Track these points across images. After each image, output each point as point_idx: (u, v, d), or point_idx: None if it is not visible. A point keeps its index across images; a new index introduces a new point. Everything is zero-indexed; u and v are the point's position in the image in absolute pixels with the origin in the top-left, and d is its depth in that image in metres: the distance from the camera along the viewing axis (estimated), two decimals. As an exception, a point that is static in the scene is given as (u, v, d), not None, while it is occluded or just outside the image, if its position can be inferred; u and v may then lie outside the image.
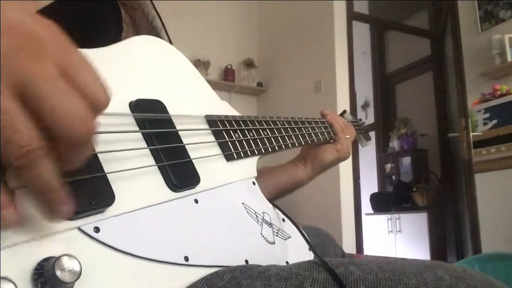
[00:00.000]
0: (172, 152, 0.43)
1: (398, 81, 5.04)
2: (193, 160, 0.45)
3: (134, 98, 0.43)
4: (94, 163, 0.34)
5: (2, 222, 0.24)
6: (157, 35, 0.61)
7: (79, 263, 0.28)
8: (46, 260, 0.28)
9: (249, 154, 0.55)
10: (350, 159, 2.71)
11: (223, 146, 0.51)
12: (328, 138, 0.81)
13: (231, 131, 0.54)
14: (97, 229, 0.33)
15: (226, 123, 0.53)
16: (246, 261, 0.44)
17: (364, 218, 3.27)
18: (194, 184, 0.43)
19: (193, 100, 0.52)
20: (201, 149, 0.48)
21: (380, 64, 5.13)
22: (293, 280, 0.37)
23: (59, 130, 0.23)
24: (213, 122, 0.52)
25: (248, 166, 0.55)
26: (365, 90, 5.04)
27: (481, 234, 2.45)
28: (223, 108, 0.57)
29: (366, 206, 4.17)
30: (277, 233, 0.52)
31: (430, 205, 3.92)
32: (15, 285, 0.25)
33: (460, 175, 3.00)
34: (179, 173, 0.42)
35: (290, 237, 0.53)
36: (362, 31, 4.81)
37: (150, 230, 0.37)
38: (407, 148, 4.48)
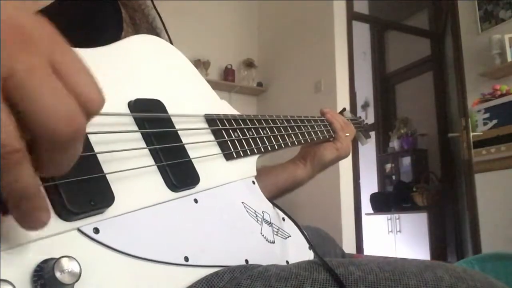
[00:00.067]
0: (171, 151, 0.43)
1: (398, 81, 5.04)
2: (192, 160, 0.45)
3: (133, 98, 0.42)
4: (93, 163, 0.34)
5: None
6: (157, 35, 0.61)
7: (79, 264, 0.28)
8: (46, 261, 0.28)
9: (249, 153, 0.55)
10: (350, 159, 2.74)
11: (222, 145, 0.51)
12: (327, 137, 0.80)
13: (230, 130, 0.53)
14: (96, 230, 0.33)
15: (226, 122, 0.53)
16: (246, 260, 0.44)
17: (364, 218, 3.27)
18: (193, 184, 0.43)
19: (192, 100, 0.52)
20: (201, 148, 0.47)
21: (380, 64, 5.13)
22: (293, 280, 0.37)
23: (41, 128, 0.21)
24: (212, 121, 0.52)
25: (248, 165, 0.55)
26: (365, 90, 5.04)
27: (481, 234, 2.45)
28: (223, 107, 0.57)
29: (366, 206, 4.17)
30: (277, 232, 0.51)
31: (430, 205, 3.92)
32: (14, 287, 0.25)
33: (460, 175, 3.00)
34: (179, 173, 0.42)
35: (290, 236, 0.53)
36: (362, 31, 4.81)
37: (149, 230, 0.37)
38: (407, 148, 4.48)
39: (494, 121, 2.67)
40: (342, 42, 3.01)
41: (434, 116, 4.15)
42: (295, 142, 0.69)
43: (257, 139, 0.58)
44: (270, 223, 0.51)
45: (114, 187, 0.35)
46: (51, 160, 0.23)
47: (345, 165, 2.76)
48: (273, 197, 0.70)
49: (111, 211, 0.34)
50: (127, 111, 0.42)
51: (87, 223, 0.32)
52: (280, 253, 0.50)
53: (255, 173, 0.55)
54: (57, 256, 0.28)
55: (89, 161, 0.34)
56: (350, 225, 2.81)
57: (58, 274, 0.27)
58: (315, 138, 0.75)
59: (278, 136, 0.64)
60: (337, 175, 2.77)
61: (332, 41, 2.98)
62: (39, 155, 0.22)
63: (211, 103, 0.55)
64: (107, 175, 0.35)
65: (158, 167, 0.41)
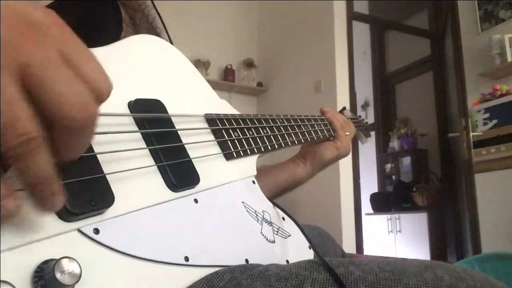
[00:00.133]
0: (171, 151, 0.43)
1: (398, 81, 5.04)
2: (192, 160, 0.45)
3: (133, 98, 0.42)
4: (93, 163, 0.34)
5: (3, 211, 0.23)
6: (157, 35, 0.61)
7: (79, 265, 0.28)
8: (46, 262, 0.28)
9: (249, 153, 0.55)
10: (350, 159, 2.74)
11: (222, 145, 0.51)
12: (327, 136, 0.80)
13: (230, 130, 0.53)
14: (96, 231, 0.32)
15: (226, 122, 0.53)
16: (246, 260, 0.44)
17: (364, 218, 3.27)
18: (193, 183, 0.43)
19: (192, 100, 0.52)
20: (201, 148, 0.47)
21: (380, 64, 5.13)
22: (293, 280, 0.37)
23: (57, 115, 0.23)
24: (212, 121, 0.52)
25: (248, 165, 0.55)
26: (365, 90, 5.04)
27: (481, 234, 2.45)
28: (223, 107, 0.57)
29: (366, 206, 4.17)
30: (277, 231, 0.51)
31: (430, 205, 3.92)
32: None
33: (460, 175, 3.00)
34: (179, 173, 0.42)
35: (290, 235, 0.53)
36: (362, 31, 4.81)
37: (150, 230, 0.37)
38: (407, 148, 4.48)
39: (494, 121, 2.67)
40: (342, 42, 3.00)
41: (434, 116, 4.15)
42: (295, 141, 0.69)
43: (257, 138, 0.58)
44: (270, 222, 0.51)
45: (114, 188, 0.35)
46: (67, 145, 0.24)
47: (345, 164, 2.76)
48: (273, 196, 0.70)
49: (111, 211, 0.34)
50: (127, 111, 0.42)
51: (87, 224, 0.32)
52: (280, 252, 0.50)
53: (255, 173, 0.55)
54: (58, 257, 0.28)
55: (89, 162, 0.34)
56: (350, 225, 2.81)
57: (58, 275, 0.27)
58: (315, 137, 0.75)
59: (278, 136, 0.64)
60: (337, 175, 2.77)
61: (332, 41, 2.98)
62: (55, 141, 0.24)
63: (211, 103, 0.55)
64: (107, 176, 0.35)
65: (158, 167, 0.41)
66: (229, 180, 0.50)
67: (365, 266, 0.38)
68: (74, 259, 0.28)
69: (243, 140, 0.55)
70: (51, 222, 0.30)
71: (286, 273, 0.38)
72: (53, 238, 0.30)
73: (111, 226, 0.34)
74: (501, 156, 2.55)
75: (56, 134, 0.23)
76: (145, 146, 0.41)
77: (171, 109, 0.46)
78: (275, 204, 0.55)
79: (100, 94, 0.25)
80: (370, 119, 4.97)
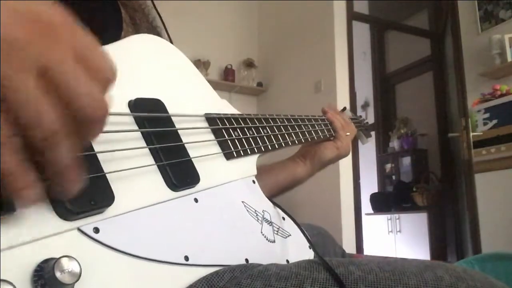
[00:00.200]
0: (171, 151, 0.43)
1: (398, 81, 5.04)
2: (192, 159, 0.45)
3: (133, 97, 0.42)
4: (93, 163, 0.34)
5: (24, 200, 0.24)
6: (158, 35, 0.61)
7: (79, 264, 0.28)
8: (46, 261, 0.28)
9: (249, 153, 0.55)
10: (350, 159, 2.74)
11: (222, 145, 0.51)
12: (328, 136, 0.80)
13: (230, 130, 0.53)
14: (96, 230, 0.32)
15: (226, 121, 0.53)
16: (246, 260, 0.44)
17: (364, 218, 3.27)
18: (193, 183, 0.43)
19: (193, 99, 0.52)
20: (201, 148, 0.47)
21: (380, 64, 5.13)
22: (293, 280, 0.37)
23: (80, 112, 0.25)
24: (212, 120, 0.51)
25: (248, 164, 0.55)
26: (365, 90, 5.04)
27: (481, 234, 2.45)
28: (223, 107, 0.57)
29: (366, 206, 4.17)
30: (277, 231, 0.51)
31: (430, 205, 3.92)
32: (14, 287, 0.25)
33: (460, 175, 3.00)
34: (179, 172, 0.42)
35: (290, 235, 0.53)
36: (362, 31, 4.81)
37: (150, 230, 0.37)
38: (407, 148, 4.48)
39: (494, 121, 2.67)
40: (342, 42, 3.01)
41: (434, 116, 4.15)
42: (296, 141, 0.69)
43: (258, 138, 0.58)
44: (271, 222, 0.51)
45: (114, 187, 0.35)
46: (85, 134, 0.27)
47: (345, 165, 2.76)
48: (273, 196, 0.70)
49: (111, 210, 0.34)
50: (127, 110, 0.42)
51: (87, 223, 0.32)
52: (280, 252, 0.50)
53: (255, 172, 0.55)
54: (57, 256, 0.28)
55: (89, 161, 0.34)
56: (350, 225, 2.81)
57: (58, 274, 0.27)
58: (315, 137, 0.75)
59: (279, 135, 0.64)
60: (337, 175, 2.77)
61: (332, 41, 2.98)
62: (75, 132, 0.26)
63: (211, 102, 0.55)
64: (107, 175, 0.35)
65: (158, 167, 0.41)
66: (229, 180, 0.50)
67: (365, 266, 0.38)
68: (74, 258, 0.28)
69: (243, 139, 0.55)
70: (51, 221, 0.30)
71: (286, 272, 0.38)
72: (53, 237, 0.30)
73: (111, 225, 0.34)
74: (501, 156, 2.55)
75: (76, 126, 0.26)
76: (145, 145, 0.41)
77: (171, 109, 0.46)
78: (275, 204, 0.55)
79: (108, 84, 0.28)
80: (370, 119, 4.97)
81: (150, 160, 0.41)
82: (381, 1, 4.48)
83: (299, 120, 0.72)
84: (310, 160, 0.80)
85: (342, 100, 2.90)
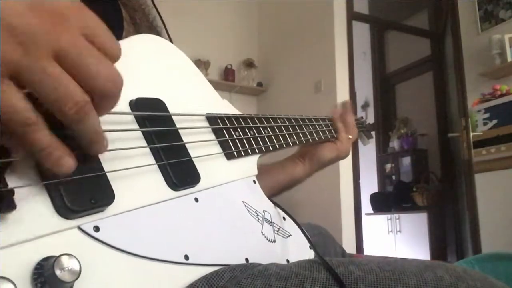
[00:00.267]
0: (172, 150, 0.43)
1: (398, 81, 5.04)
2: (193, 159, 0.45)
3: (134, 97, 0.42)
4: (94, 161, 0.34)
5: (63, 168, 0.28)
6: (158, 34, 0.61)
7: (79, 262, 0.28)
8: (46, 259, 0.28)
9: (250, 153, 0.55)
10: (350, 159, 2.74)
11: (223, 145, 0.51)
12: (329, 137, 0.80)
13: (231, 130, 0.53)
14: (97, 228, 0.33)
15: (227, 121, 0.53)
16: (247, 259, 0.44)
17: (364, 218, 3.27)
18: (194, 182, 0.43)
19: (193, 99, 0.52)
20: (202, 147, 0.47)
21: (380, 64, 5.13)
22: (293, 279, 0.37)
23: (97, 90, 0.28)
24: (213, 120, 0.51)
25: (249, 164, 0.55)
26: (365, 90, 5.04)
27: (481, 234, 2.45)
28: (224, 107, 0.57)
29: (366, 206, 4.17)
30: (277, 231, 0.51)
31: (430, 205, 3.92)
32: (14, 285, 0.25)
33: (460, 175, 3.00)
34: (179, 171, 0.42)
35: (290, 235, 0.53)
36: (362, 31, 4.81)
37: (150, 229, 0.37)
38: (407, 148, 4.48)
39: (494, 121, 2.67)
40: (342, 42, 3.01)
41: (434, 116, 4.15)
42: (296, 142, 0.69)
43: (258, 138, 0.58)
44: (271, 222, 0.51)
45: (115, 186, 0.35)
46: (103, 107, 0.30)
47: (345, 165, 2.76)
48: (271, 196, 0.70)
49: (111, 209, 0.34)
50: (128, 110, 0.42)
51: (88, 221, 0.32)
52: (281, 252, 0.50)
53: (256, 172, 0.55)
54: (57, 254, 0.28)
55: (90, 160, 0.34)
56: (350, 225, 2.81)
57: (58, 272, 0.27)
58: (316, 138, 0.75)
59: (279, 136, 0.64)
60: (337, 175, 2.77)
61: (332, 41, 2.98)
62: (97, 104, 0.29)
63: (212, 102, 0.55)
64: (107, 174, 0.35)
65: (159, 166, 0.41)
66: (230, 180, 0.50)
67: (365, 266, 0.38)
68: (74, 256, 0.28)
69: (244, 139, 0.55)
70: (51, 219, 0.30)
71: (286, 272, 0.38)
72: (53, 235, 0.30)
73: (111, 224, 0.34)
74: (501, 156, 2.55)
75: (94, 99, 0.28)
76: (146, 144, 0.41)
77: (172, 108, 0.46)
78: (275, 204, 0.55)
79: (116, 60, 0.30)
80: (370, 119, 4.97)
81: (150, 159, 0.41)
82: (381, 1, 4.48)
83: (300, 120, 0.72)
84: (309, 161, 0.80)
85: (342, 100, 2.89)
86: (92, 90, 0.28)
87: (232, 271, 0.39)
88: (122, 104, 0.41)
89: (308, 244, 0.53)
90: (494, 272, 1.33)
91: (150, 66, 0.48)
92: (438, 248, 3.75)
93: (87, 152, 0.31)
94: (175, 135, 0.45)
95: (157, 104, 0.45)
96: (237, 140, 0.53)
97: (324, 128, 0.79)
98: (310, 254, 0.53)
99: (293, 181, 0.79)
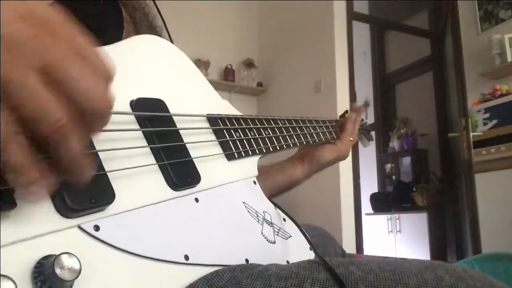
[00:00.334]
0: (172, 151, 0.43)
1: (398, 81, 5.04)
2: (193, 159, 0.45)
3: (135, 97, 0.43)
4: (94, 161, 0.34)
5: (35, 194, 0.25)
6: (158, 34, 0.61)
7: (79, 261, 0.28)
8: (46, 258, 0.28)
9: (250, 154, 0.55)
10: (350, 159, 2.74)
11: (224, 145, 0.51)
12: (329, 138, 0.80)
13: (232, 130, 0.53)
14: (97, 228, 0.33)
15: (227, 122, 0.53)
16: (247, 260, 0.44)
17: (364, 218, 3.27)
18: (194, 183, 0.43)
19: (194, 99, 0.52)
20: (202, 148, 0.48)
21: (380, 64, 5.13)
22: (293, 279, 0.37)
23: (87, 105, 0.26)
24: (214, 121, 0.52)
25: (249, 165, 0.55)
26: (365, 90, 5.04)
27: (481, 234, 2.45)
28: (224, 107, 0.57)
29: (366, 206, 4.17)
30: (277, 232, 0.51)
31: (430, 205, 3.92)
32: (14, 283, 0.25)
33: (460, 175, 2.99)
34: (180, 172, 0.42)
35: (290, 236, 0.53)
36: (362, 31, 4.81)
37: (150, 228, 0.37)
38: (407, 148, 4.48)
39: (494, 121, 2.67)
40: (342, 42, 3.00)
41: (434, 116, 4.15)
42: (297, 143, 0.69)
43: (259, 139, 0.58)
44: (271, 223, 0.51)
45: (115, 185, 0.35)
46: (92, 126, 0.28)
47: (345, 165, 2.75)
48: (270, 197, 0.71)
49: (111, 209, 0.34)
50: (129, 110, 0.42)
51: (88, 221, 0.32)
52: (281, 253, 0.50)
53: (256, 173, 0.55)
54: (57, 253, 0.28)
55: (90, 159, 0.33)
56: (350, 225, 2.81)
57: (58, 271, 0.27)
58: (317, 140, 0.75)
59: (280, 137, 0.64)
60: (337, 175, 2.77)
61: (332, 41, 2.98)
62: (82, 124, 0.27)
63: (212, 102, 0.55)
64: (108, 173, 0.35)
65: (159, 166, 0.41)
66: (230, 180, 0.50)
67: (365, 266, 0.38)
68: (74, 255, 0.28)
69: (244, 140, 0.55)
70: (51, 218, 0.30)
71: (286, 272, 0.38)
72: (53, 234, 0.30)
73: (111, 223, 0.34)
74: (501, 156, 2.55)
75: (83, 119, 0.26)
76: (146, 144, 0.41)
77: (172, 109, 0.46)
78: (276, 205, 0.55)
79: (108, 79, 0.28)
80: (370, 119, 4.98)
81: (151, 159, 0.41)
82: (381, 1, 4.48)
83: (300, 122, 0.72)
84: (309, 162, 0.80)
85: (342, 100, 2.90)
86: (80, 109, 0.26)
87: (232, 272, 0.39)
88: (123, 104, 0.42)
89: (308, 246, 0.53)
90: (494, 272, 1.33)
91: (150, 66, 0.48)
92: (438, 248, 3.75)
93: (66, 178, 0.28)
94: (176, 135, 0.45)
95: (157, 104, 0.45)
96: (237, 141, 0.54)
97: (324, 129, 0.79)
98: (310, 255, 0.53)
99: (292, 182, 0.79)
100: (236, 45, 3.89)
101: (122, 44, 0.46)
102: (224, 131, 0.52)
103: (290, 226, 0.54)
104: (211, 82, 0.57)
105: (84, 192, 0.32)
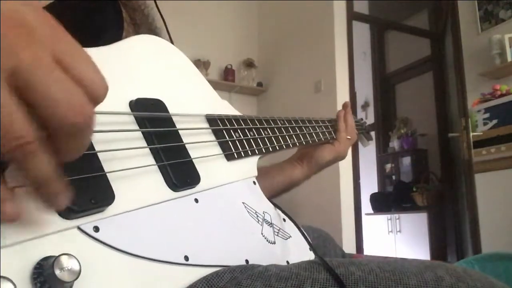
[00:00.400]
0: (172, 151, 0.43)
1: (398, 81, 5.04)
2: (193, 160, 0.45)
3: (134, 97, 0.42)
4: (94, 162, 0.34)
5: (2, 216, 0.23)
6: (157, 35, 0.61)
7: (78, 262, 0.28)
8: (45, 259, 0.28)
9: (250, 154, 0.55)
10: (350, 159, 2.74)
11: (223, 146, 0.51)
12: (328, 138, 0.80)
13: (231, 131, 0.53)
14: (96, 229, 0.33)
15: (227, 122, 0.53)
16: (247, 261, 0.44)
17: (364, 218, 3.27)
18: (194, 183, 0.43)
19: (193, 100, 0.52)
20: (202, 148, 0.47)
21: (380, 64, 5.13)
22: (293, 280, 0.37)
23: (53, 119, 0.22)
24: (213, 121, 0.51)
25: (249, 165, 0.55)
26: (365, 90, 5.04)
27: (481, 234, 2.45)
28: (224, 107, 0.57)
29: (366, 206, 4.17)
30: (277, 233, 0.51)
31: (430, 205, 3.92)
32: (14, 284, 0.25)
33: (460, 175, 2.99)
34: (179, 172, 0.42)
35: (290, 237, 0.53)
36: (362, 31, 4.81)
37: (150, 229, 0.37)
38: (407, 148, 4.48)
39: (494, 121, 2.67)
40: (342, 42, 3.00)
41: (434, 116, 4.15)
42: (296, 143, 0.69)
43: (258, 139, 0.58)
44: (271, 223, 0.51)
45: (115, 186, 0.35)
46: (66, 146, 0.24)
47: (345, 165, 2.75)
48: (270, 198, 0.71)
49: (111, 209, 0.34)
50: (128, 110, 0.42)
51: (87, 222, 0.32)
52: (281, 253, 0.50)
53: (256, 174, 0.55)
54: (57, 254, 0.28)
55: (90, 160, 0.34)
56: (350, 225, 2.81)
57: (57, 272, 0.27)
58: (316, 140, 0.75)
59: (279, 137, 0.64)
60: (337, 175, 2.77)
61: (332, 41, 2.98)
62: (55, 142, 0.24)
63: (212, 103, 0.55)
64: (107, 174, 0.35)
65: (159, 167, 0.41)
66: (230, 181, 0.50)
67: (365, 266, 0.38)
68: (74, 256, 0.28)
69: (244, 141, 0.55)
70: (51, 219, 0.30)
71: (286, 273, 0.38)
72: (53, 235, 0.30)
73: (111, 224, 0.34)
74: (501, 156, 2.55)
75: (54, 135, 0.23)
76: (146, 145, 0.41)
77: (172, 109, 0.46)
78: (276, 206, 0.55)
79: (96, 95, 0.25)
80: (370, 119, 4.98)
81: (150, 160, 0.41)
82: (381, 1, 4.47)
83: (300, 122, 0.72)
84: (308, 163, 0.80)
85: (342, 100, 2.89)
86: (50, 123, 0.22)
87: (232, 272, 0.39)
88: (122, 105, 0.42)
89: (308, 246, 0.53)
90: (494, 272, 1.33)
91: (149, 66, 0.48)
92: (438, 248, 3.75)
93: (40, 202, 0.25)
94: (175, 135, 0.45)
95: (157, 105, 0.45)
96: (237, 141, 0.54)
97: (324, 129, 0.79)
98: (310, 256, 0.53)
99: (291, 183, 0.79)
100: (236, 45, 3.89)
101: (121, 44, 0.46)
102: (224, 131, 0.52)
103: (290, 227, 0.54)
104: (211, 82, 0.57)
105: (84, 193, 0.32)
